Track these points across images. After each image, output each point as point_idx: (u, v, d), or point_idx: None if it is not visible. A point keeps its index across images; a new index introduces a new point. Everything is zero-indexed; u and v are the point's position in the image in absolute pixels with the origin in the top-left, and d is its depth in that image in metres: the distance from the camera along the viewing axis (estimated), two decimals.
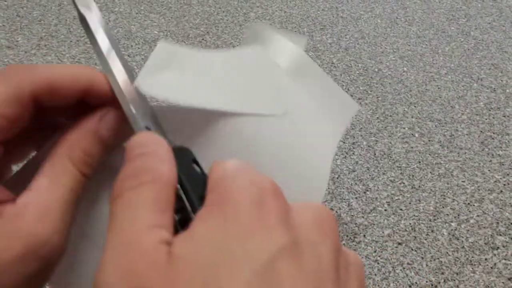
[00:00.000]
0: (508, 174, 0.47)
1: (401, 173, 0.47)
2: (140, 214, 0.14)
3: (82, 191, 0.20)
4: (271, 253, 0.13)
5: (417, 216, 0.43)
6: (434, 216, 0.43)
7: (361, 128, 0.52)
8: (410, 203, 0.44)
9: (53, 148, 0.20)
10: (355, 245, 0.41)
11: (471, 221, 0.43)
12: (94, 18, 0.24)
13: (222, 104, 0.27)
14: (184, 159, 0.18)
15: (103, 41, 0.23)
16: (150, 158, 0.16)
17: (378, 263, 0.39)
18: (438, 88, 0.58)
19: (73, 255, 0.22)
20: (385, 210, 0.44)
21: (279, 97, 0.32)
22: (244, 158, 0.27)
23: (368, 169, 0.48)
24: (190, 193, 0.16)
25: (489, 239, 0.41)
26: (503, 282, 0.38)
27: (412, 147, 0.50)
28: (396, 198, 0.45)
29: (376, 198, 0.45)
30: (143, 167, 0.16)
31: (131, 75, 0.22)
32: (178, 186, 0.16)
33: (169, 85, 0.25)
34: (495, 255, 0.40)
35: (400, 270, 0.39)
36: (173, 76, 0.26)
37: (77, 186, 0.19)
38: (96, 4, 0.23)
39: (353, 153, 0.49)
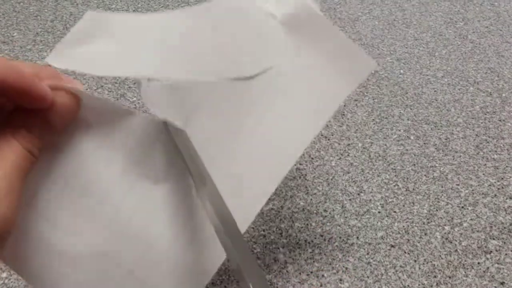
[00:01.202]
0: (502, 178, 0.47)
1: (395, 175, 0.47)
2: None
3: (31, 168, 0.21)
4: None
5: (410, 218, 0.43)
6: (427, 219, 0.43)
7: (357, 129, 0.52)
8: (404, 206, 0.44)
9: None
10: (348, 247, 0.41)
11: (465, 224, 0.43)
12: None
13: (167, 70, 0.27)
14: None
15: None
16: None
17: (370, 266, 0.39)
18: (434, 91, 0.58)
19: (21, 227, 0.23)
20: (379, 212, 0.44)
21: (258, 54, 0.30)
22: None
23: (362, 171, 0.47)
24: None
25: (482, 243, 0.41)
26: (495, 286, 0.38)
27: (407, 150, 0.50)
28: (390, 200, 0.45)
29: (370, 200, 0.45)
30: None
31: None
32: None
33: (90, 57, 0.25)
34: (488, 259, 0.40)
35: (393, 272, 0.39)
36: (99, 45, 0.25)
37: (24, 163, 0.20)
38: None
39: (348, 155, 0.49)
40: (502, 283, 0.38)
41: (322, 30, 0.31)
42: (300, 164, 0.48)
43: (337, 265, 0.39)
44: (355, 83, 0.32)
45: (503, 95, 0.57)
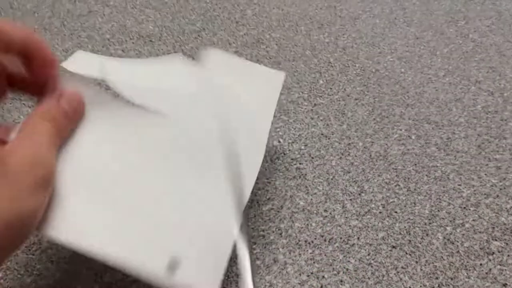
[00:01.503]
0: (504, 179, 0.46)
1: (396, 175, 0.46)
2: None
3: (61, 139, 0.27)
4: None
5: (412, 219, 0.42)
6: (429, 219, 0.43)
7: (357, 129, 0.51)
8: (405, 206, 0.44)
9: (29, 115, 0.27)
10: (349, 248, 0.40)
11: (467, 225, 0.42)
12: None
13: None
14: None
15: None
16: None
17: (371, 267, 0.39)
18: (436, 90, 0.57)
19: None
20: (380, 212, 0.43)
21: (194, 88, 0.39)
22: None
23: (363, 171, 0.47)
24: None
25: (485, 244, 0.41)
26: None
27: (408, 149, 0.49)
28: (391, 200, 0.44)
29: (371, 200, 0.44)
30: None
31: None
32: None
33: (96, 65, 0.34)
34: (490, 260, 0.39)
35: (394, 274, 0.38)
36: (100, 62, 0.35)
37: (54, 135, 0.26)
38: None
39: (349, 154, 0.49)
40: (505, 285, 0.38)
41: (236, 65, 0.43)
42: (300, 163, 0.47)
43: (337, 266, 0.39)
44: (275, 93, 0.43)
45: (505, 94, 0.57)
